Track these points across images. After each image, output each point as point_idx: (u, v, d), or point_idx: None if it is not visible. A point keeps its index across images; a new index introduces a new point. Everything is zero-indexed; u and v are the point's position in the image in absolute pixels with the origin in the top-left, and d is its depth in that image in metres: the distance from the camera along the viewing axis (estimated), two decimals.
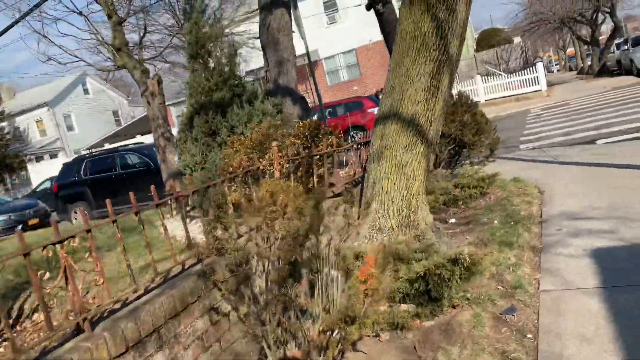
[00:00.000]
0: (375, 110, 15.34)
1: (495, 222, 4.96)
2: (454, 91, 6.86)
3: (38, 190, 23.11)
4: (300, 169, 4.49)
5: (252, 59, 30.37)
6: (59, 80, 39.76)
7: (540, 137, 11.36)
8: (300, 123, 4.78)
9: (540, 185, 6.43)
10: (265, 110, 5.82)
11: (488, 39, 39.07)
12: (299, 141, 4.58)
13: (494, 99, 22.82)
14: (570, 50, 53.20)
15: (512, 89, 22.72)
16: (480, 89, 22.98)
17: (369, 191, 4.55)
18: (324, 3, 29.05)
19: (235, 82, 5.94)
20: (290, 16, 6.50)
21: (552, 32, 37.07)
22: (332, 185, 4.79)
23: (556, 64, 66.08)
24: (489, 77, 25.49)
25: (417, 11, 4.06)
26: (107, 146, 29.14)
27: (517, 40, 39.67)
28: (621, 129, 9.88)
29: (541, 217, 5.08)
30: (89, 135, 39.15)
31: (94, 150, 24.49)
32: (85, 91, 43.09)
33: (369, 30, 27.65)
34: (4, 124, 39.55)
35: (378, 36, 28.63)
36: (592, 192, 5.53)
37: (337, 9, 28.53)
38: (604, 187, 5.61)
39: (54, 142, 39.25)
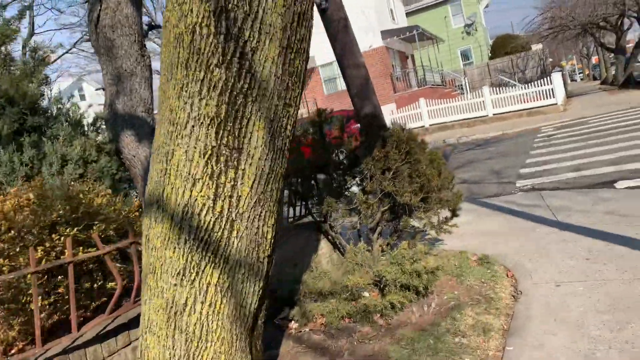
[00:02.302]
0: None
1: None
2: (388, 121, 4.55)
3: None
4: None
5: None
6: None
7: (545, 170, 8.89)
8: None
9: (519, 276, 4.05)
10: (67, 155, 3.61)
11: (503, 46, 36.28)
12: None
13: (504, 113, 20.26)
14: (595, 58, 50.13)
15: (525, 102, 20.11)
16: (488, 102, 20.43)
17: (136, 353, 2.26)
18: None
19: (30, 107, 3.75)
20: (140, 5, 4.28)
21: (574, 38, 34.23)
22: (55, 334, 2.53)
23: (580, 73, 62.92)
24: (501, 88, 22.97)
25: None
26: None
27: (535, 47, 36.91)
28: None
29: None
30: None
31: None
32: (82, 97, 41.59)
33: (369, 36, 25.46)
34: None
35: (379, 42, 26.36)
36: (600, 312, 3.14)
37: None
38: (621, 301, 3.22)
39: None
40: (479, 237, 5.46)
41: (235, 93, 1.80)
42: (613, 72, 30.53)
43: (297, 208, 5.10)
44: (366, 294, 3.91)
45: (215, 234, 1.95)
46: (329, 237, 4.80)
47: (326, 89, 28.18)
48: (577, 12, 25.77)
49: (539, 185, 7.79)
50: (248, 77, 1.80)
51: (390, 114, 23.43)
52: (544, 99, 19.70)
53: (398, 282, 3.60)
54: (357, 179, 4.72)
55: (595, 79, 48.43)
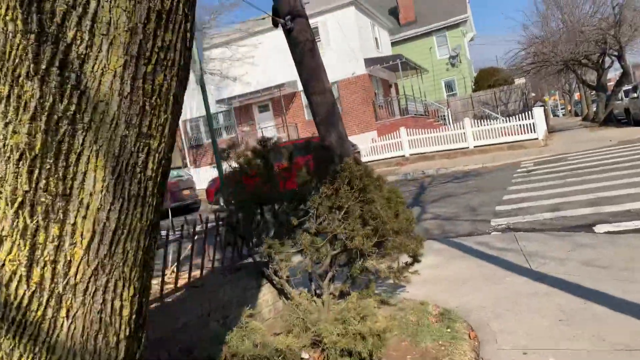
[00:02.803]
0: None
1: None
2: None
3: None
4: None
5: (227, 86, 28.01)
6: None
7: (521, 208, 8.47)
8: None
9: (482, 338, 3.51)
10: None
11: (487, 78, 36.52)
12: None
13: (485, 145, 20.04)
14: (577, 94, 50.92)
15: (506, 135, 19.96)
16: (469, 134, 20.23)
17: None
18: None
19: None
20: None
21: (556, 74, 34.66)
22: None
23: (562, 108, 63.91)
24: (484, 120, 22.87)
25: None
26: None
27: (518, 81, 37.26)
28: (629, 209, 6.99)
29: None
30: None
31: None
32: None
33: (352, 63, 25.29)
34: None
35: (363, 69, 26.23)
36: None
37: (319, 39, 26.17)
38: None
39: None
40: (444, 284, 4.93)
41: (56, 117, 1.26)
42: (594, 109, 30.83)
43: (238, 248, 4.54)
44: (305, 355, 3.33)
45: (34, 313, 1.38)
46: (273, 282, 4.23)
47: (307, 114, 27.82)
48: (559, 49, 26.02)
49: (514, 225, 7.34)
50: (75, 95, 1.27)
51: (371, 141, 23.13)
52: (525, 133, 19.57)
53: (338, 346, 3.04)
54: (309, 215, 4.19)
55: (577, 115, 49.15)
